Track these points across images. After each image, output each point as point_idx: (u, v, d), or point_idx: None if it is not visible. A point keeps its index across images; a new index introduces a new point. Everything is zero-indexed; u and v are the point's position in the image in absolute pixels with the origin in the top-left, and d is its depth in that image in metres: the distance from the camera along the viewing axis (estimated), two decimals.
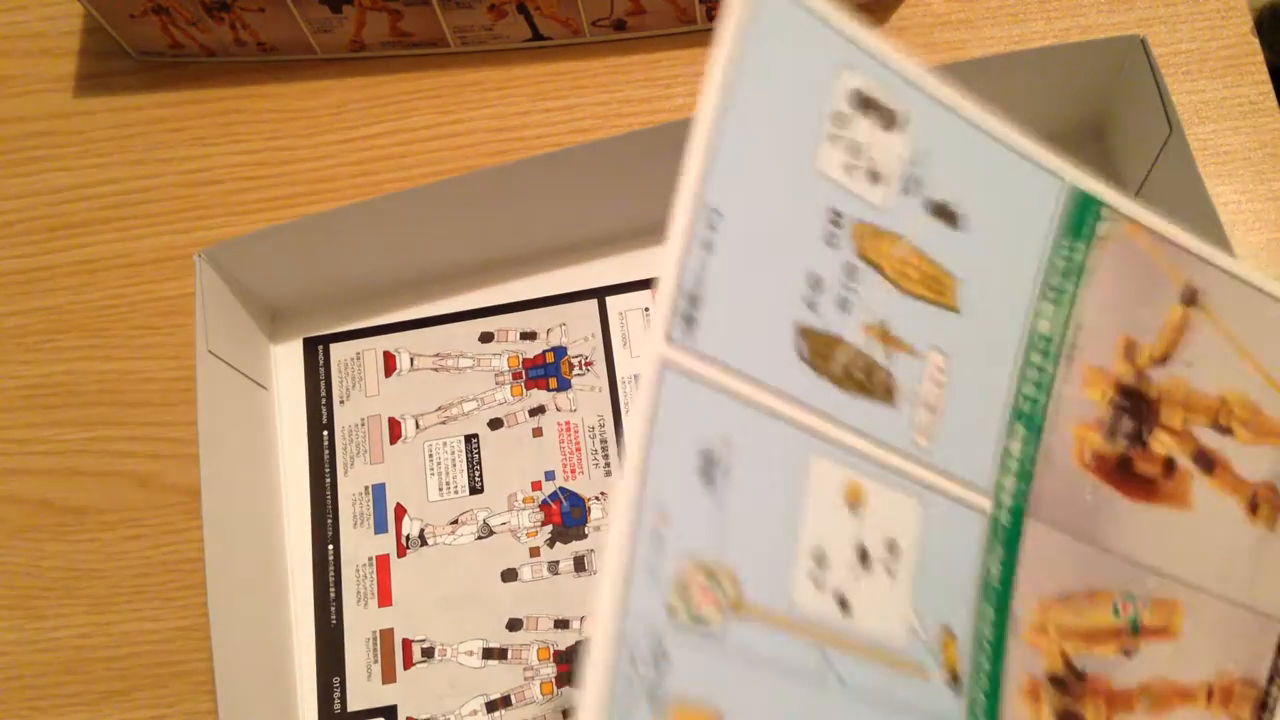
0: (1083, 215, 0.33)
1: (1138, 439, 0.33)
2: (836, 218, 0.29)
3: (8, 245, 0.55)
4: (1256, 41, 0.53)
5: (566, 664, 0.47)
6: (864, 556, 0.29)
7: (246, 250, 0.48)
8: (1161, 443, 0.33)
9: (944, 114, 0.31)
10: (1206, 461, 0.34)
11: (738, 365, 0.27)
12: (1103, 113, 0.50)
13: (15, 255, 0.55)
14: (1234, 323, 0.34)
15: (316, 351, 0.52)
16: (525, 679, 0.47)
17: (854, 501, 0.29)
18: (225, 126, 0.56)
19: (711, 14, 0.54)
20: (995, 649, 0.31)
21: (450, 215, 0.49)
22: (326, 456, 0.51)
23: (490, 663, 0.47)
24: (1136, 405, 0.33)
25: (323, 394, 0.52)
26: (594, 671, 0.25)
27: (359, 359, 0.52)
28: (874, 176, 0.30)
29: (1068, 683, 0.32)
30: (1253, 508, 0.34)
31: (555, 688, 0.47)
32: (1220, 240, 0.44)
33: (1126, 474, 0.33)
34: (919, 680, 0.29)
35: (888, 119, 0.30)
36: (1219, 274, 0.34)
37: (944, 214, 0.31)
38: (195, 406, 0.45)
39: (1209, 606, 0.34)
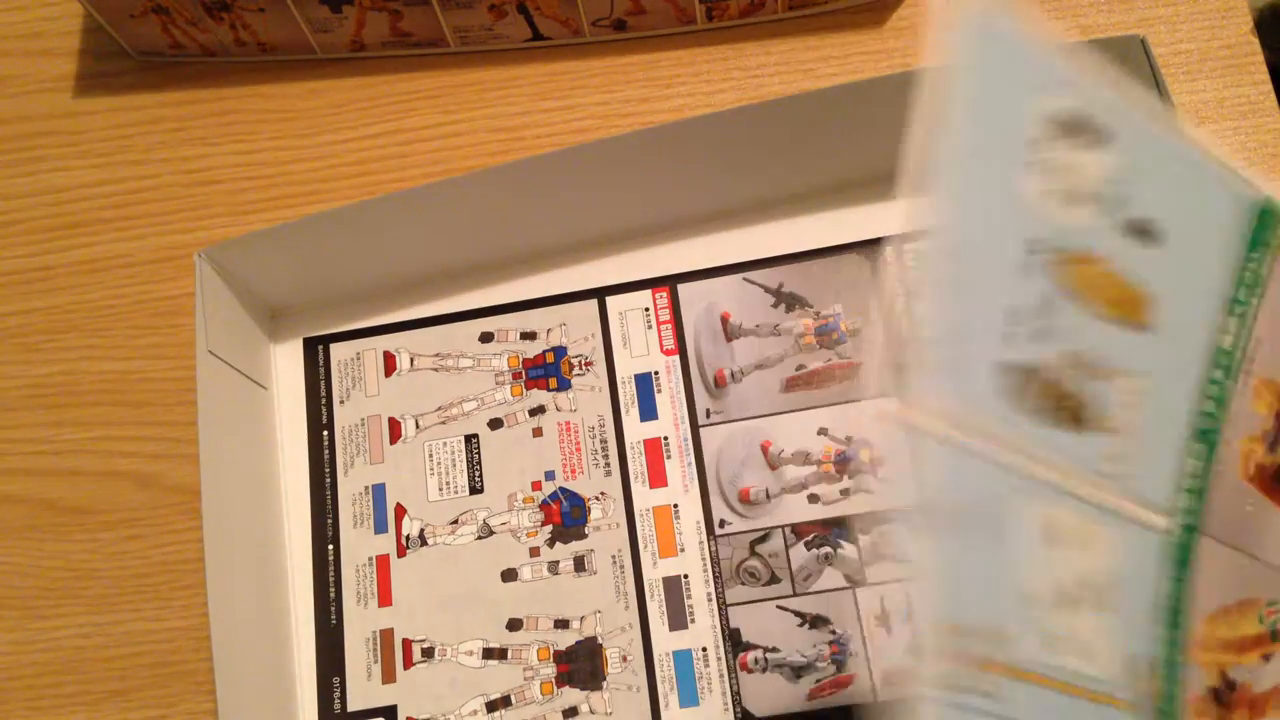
0: (1267, 229, 0.32)
1: None
2: (1034, 246, 0.28)
3: (8, 245, 0.55)
4: (1256, 41, 0.53)
5: (566, 664, 0.47)
6: (1068, 596, 0.28)
7: (246, 250, 0.48)
8: None
9: (1142, 130, 0.30)
10: None
11: (970, 417, 0.27)
12: None
13: (15, 255, 0.55)
14: None
15: (316, 351, 0.52)
16: (525, 679, 0.47)
17: (1051, 536, 0.28)
18: (225, 126, 0.56)
19: (711, 14, 0.54)
20: (1169, 669, 0.31)
21: (450, 215, 0.49)
22: (326, 456, 0.51)
23: (490, 662, 0.47)
24: None
25: (323, 394, 0.52)
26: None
27: (359, 359, 0.52)
28: (1070, 198, 0.29)
29: (1222, 694, 0.32)
30: None
31: (555, 687, 0.47)
32: None
33: None
34: (1130, 714, 0.29)
35: (1086, 139, 0.29)
36: None
37: (1141, 232, 0.30)
38: (195, 406, 0.45)
39: None
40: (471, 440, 0.50)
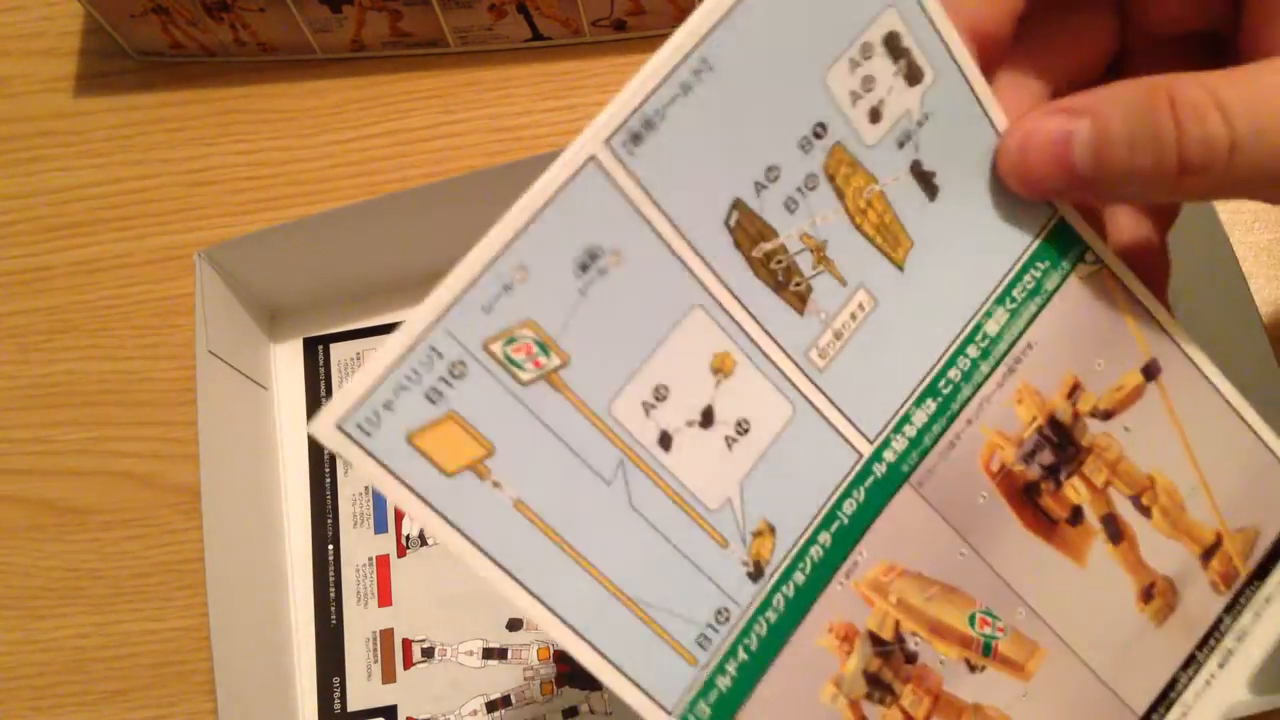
0: (1063, 248, 0.33)
1: (1053, 475, 0.33)
2: (821, 130, 0.29)
3: (7, 245, 0.55)
4: None
5: (567, 664, 0.47)
6: (708, 418, 0.29)
7: (246, 250, 0.48)
8: (1076, 491, 0.33)
9: (965, 95, 0.31)
10: (1115, 530, 0.34)
11: (660, 199, 0.28)
12: None
13: (14, 255, 0.55)
14: (1186, 414, 0.34)
15: (317, 351, 0.52)
16: (525, 679, 0.47)
17: (719, 369, 0.30)
18: (225, 126, 0.56)
19: None
20: (818, 575, 0.31)
21: (450, 215, 0.49)
22: (326, 456, 0.51)
23: (490, 662, 0.47)
24: (1063, 444, 0.33)
25: (323, 394, 0.52)
26: (385, 351, 0.26)
27: (359, 359, 0.52)
28: (875, 115, 0.30)
29: (893, 654, 0.32)
30: (1146, 596, 0.34)
31: (555, 688, 0.47)
32: (1220, 241, 0.44)
33: (1029, 502, 0.33)
34: (714, 543, 0.30)
35: (912, 74, 0.30)
36: (1186, 363, 0.34)
37: (926, 182, 0.31)
38: (195, 407, 0.45)
39: (1071, 668, 0.33)
40: None
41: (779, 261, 0.30)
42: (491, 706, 0.47)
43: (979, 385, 0.32)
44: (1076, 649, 0.33)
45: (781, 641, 0.31)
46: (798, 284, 0.30)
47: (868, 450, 0.31)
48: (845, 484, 0.31)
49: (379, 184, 0.55)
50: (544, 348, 0.27)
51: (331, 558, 0.49)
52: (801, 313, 0.30)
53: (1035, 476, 0.33)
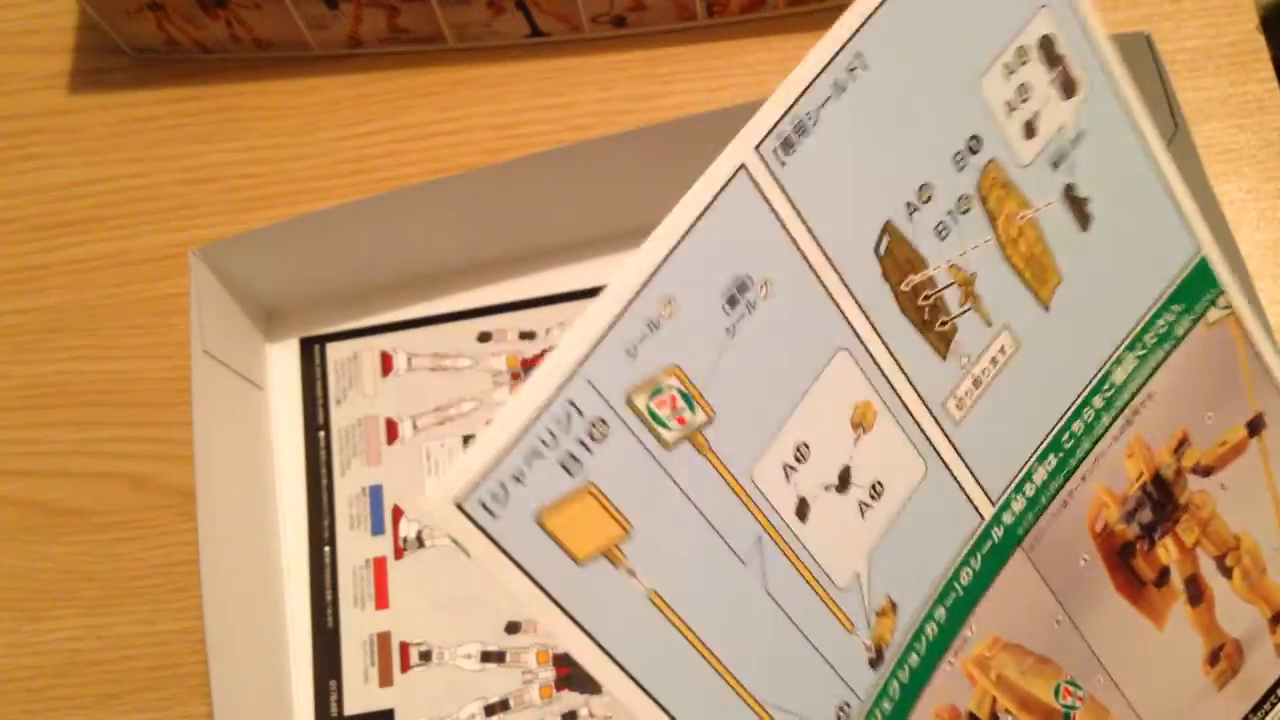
0: (1199, 290, 0.31)
1: (1149, 534, 0.32)
2: (975, 144, 0.27)
3: (1, 244, 0.55)
4: (1262, 38, 0.53)
5: (565, 667, 0.46)
6: (845, 480, 0.27)
7: (242, 249, 0.47)
8: (1167, 551, 0.32)
9: (1118, 112, 0.29)
10: (1196, 591, 0.33)
11: (810, 218, 0.25)
12: None
13: (9, 254, 0.55)
14: (1279, 470, 0.33)
15: (313, 351, 0.52)
16: (524, 682, 0.46)
17: (860, 422, 0.27)
18: (221, 124, 0.56)
19: (712, 10, 0.54)
20: (931, 655, 0.29)
21: (448, 214, 0.48)
22: (323, 457, 0.50)
23: (488, 666, 0.47)
24: (1163, 502, 0.32)
25: (319, 394, 0.51)
26: (515, 409, 0.22)
27: (356, 359, 0.52)
28: (1030, 130, 0.28)
29: None
30: (1213, 659, 0.33)
31: (554, 691, 0.46)
32: (1225, 239, 0.43)
33: (1124, 563, 0.32)
34: (840, 628, 0.27)
35: (1067, 85, 0.28)
36: None
37: (1079, 209, 0.29)
38: (190, 407, 0.44)
39: None
40: (470, 441, 0.50)
41: (926, 297, 0.27)
42: (490, 710, 0.46)
43: (1098, 439, 0.31)
44: (1140, 712, 0.32)
45: None
46: (944, 323, 0.27)
47: (989, 512, 0.29)
48: (965, 551, 0.29)
49: (376, 182, 0.54)
50: (689, 401, 0.24)
51: (328, 560, 0.49)
52: (944, 356, 0.28)
53: (1133, 536, 0.32)
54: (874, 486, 0.27)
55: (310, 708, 0.47)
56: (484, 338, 0.51)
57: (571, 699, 0.46)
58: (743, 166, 0.24)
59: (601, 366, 0.23)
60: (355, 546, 0.49)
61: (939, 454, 0.28)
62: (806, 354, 0.26)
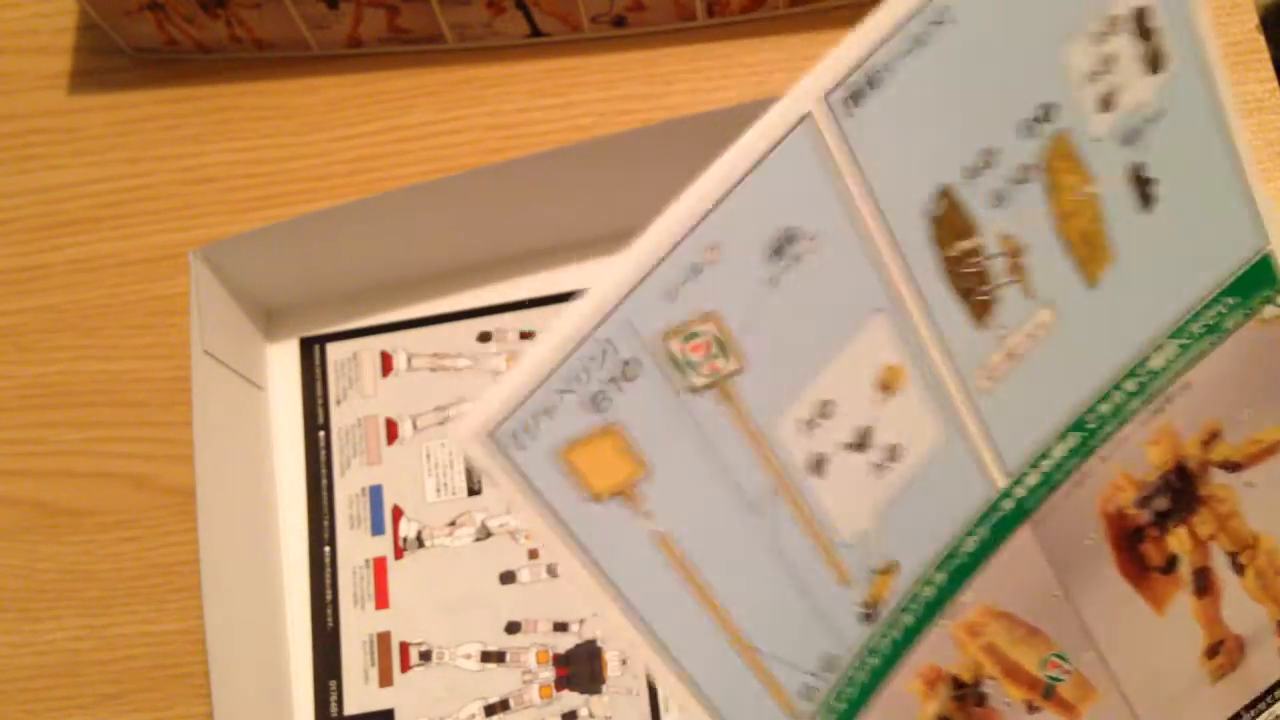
0: (1256, 285, 0.30)
1: (1162, 522, 0.31)
2: (1046, 113, 0.26)
3: (1, 244, 0.55)
4: (1262, 38, 0.53)
5: (565, 667, 0.46)
6: (864, 441, 0.27)
7: (242, 249, 0.47)
8: (1179, 540, 0.32)
9: (1203, 95, 0.28)
10: (1204, 584, 0.32)
11: (869, 172, 0.24)
12: None
13: (9, 254, 0.55)
14: None
15: (313, 351, 0.52)
16: (524, 682, 0.46)
17: (887, 386, 0.27)
18: (221, 124, 0.56)
19: (712, 10, 0.54)
20: (925, 616, 0.29)
21: (448, 213, 0.48)
22: (323, 457, 0.50)
23: (488, 666, 0.47)
24: (1182, 491, 0.31)
25: (319, 394, 0.51)
26: (549, 344, 0.21)
27: (355, 359, 0.52)
28: (1107, 103, 0.27)
29: (967, 698, 0.30)
30: (1212, 652, 0.33)
31: (554, 691, 0.46)
32: None
33: (1131, 546, 0.31)
34: (835, 581, 0.27)
35: (1155, 60, 0.27)
36: None
37: (1143, 189, 0.28)
38: (190, 407, 0.44)
39: (1117, 712, 0.32)
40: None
41: (972, 264, 0.26)
42: (490, 710, 0.46)
43: (1124, 422, 0.30)
44: (1128, 695, 0.32)
45: (876, 687, 0.29)
46: (985, 292, 0.27)
47: (1004, 484, 0.29)
48: (973, 520, 0.29)
49: (376, 182, 0.54)
50: (722, 348, 0.24)
51: (328, 560, 0.49)
52: (981, 325, 0.27)
53: (1144, 521, 0.31)
54: (891, 449, 0.27)
55: (310, 708, 0.47)
56: (484, 338, 0.51)
57: (571, 699, 0.46)
58: (807, 115, 0.24)
59: (639, 307, 0.22)
60: (355, 546, 0.49)
61: (961, 423, 0.28)
62: (844, 312, 0.25)
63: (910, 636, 0.29)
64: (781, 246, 0.24)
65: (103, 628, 0.49)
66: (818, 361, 0.25)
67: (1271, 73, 0.52)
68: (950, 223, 0.26)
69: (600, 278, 0.22)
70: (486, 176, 0.47)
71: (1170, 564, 0.32)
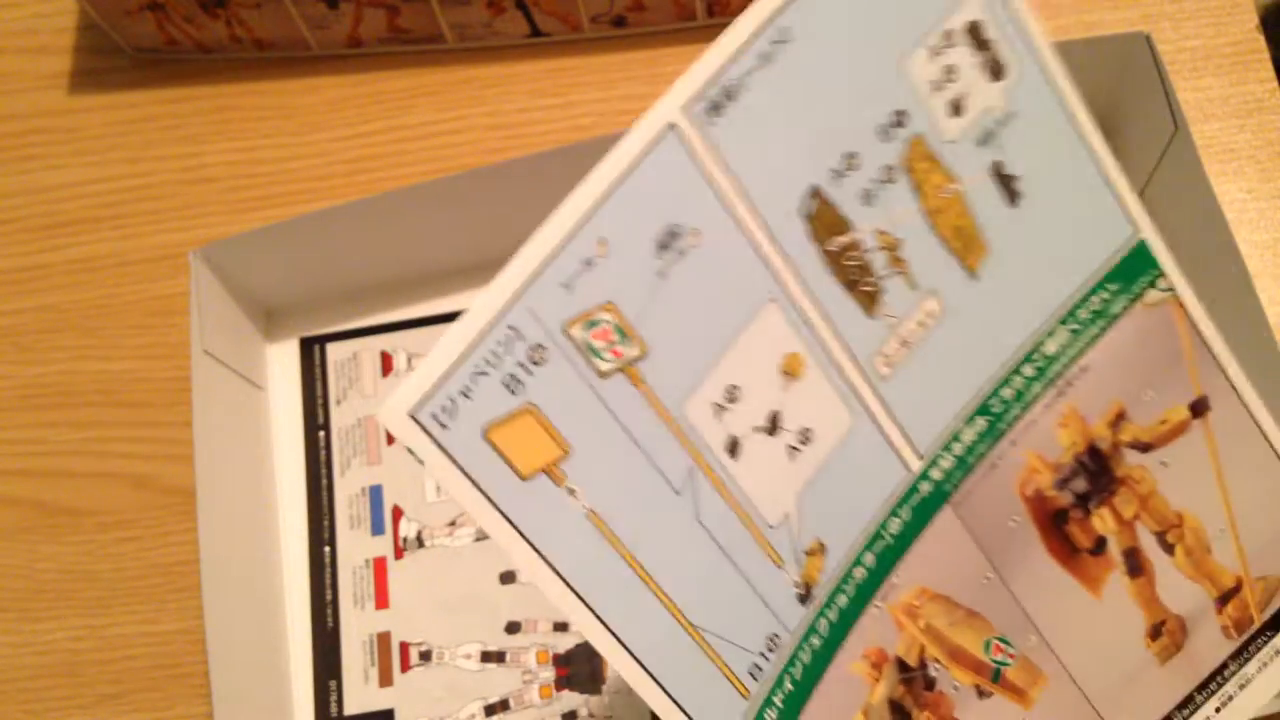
0: (1136, 271, 0.32)
1: (1083, 504, 0.33)
2: (900, 119, 0.28)
3: (1, 244, 0.55)
4: (1262, 38, 0.53)
5: (565, 667, 0.46)
6: (774, 425, 0.28)
7: (242, 249, 0.47)
8: (1103, 521, 0.33)
9: (1049, 97, 0.30)
10: (1135, 564, 0.33)
11: (739, 175, 0.26)
12: (1107, 110, 0.50)
13: (9, 254, 0.55)
14: (1228, 455, 0.34)
15: (313, 351, 0.52)
16: (524, 682, 0.46)
17: (789, 371, 0.28)
18: (221, 124, 0.56)
19: (712, 10, 0.54)
20: (859, 597, 0.30)
21: (448, 213, 0.48)
22: (323, 457, 0.50)
23: (489, 666, 0.47)
24: (1098, 472, 0.33)
25: (319, 394, 0.51)
26: (461, 330, 0.24)
27: (355, 359, 0.51)
28: (956, 108, 0.29)
29: (915, 681, 0.31)
30: (1155, 633, 0.33)
31: (554, 691, 0.46)
32: (1225, 239, 0.43)
33: (1057, 529, 0.32)
34: (770, 563, 0.29)
35: (995, 68, 0.29)
36: (1236, 401, 0.33)
37: (1007, 186, 0.30)
38: (190, 407, 0.44)
39: (1069, 696, 0.33)
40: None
41: (852, 258, 0.28)
42: (490, 710, 0.46)
43: (1028, 406, 0.32)
44: (1077, 678, 0.33)
45: (822, 668, 0.30)
46: (870, 283, 0.29)
47: (918, 467, 0.31)
48: (894, 502, 0.30)
49: (376, 182, 0.54)
50: (624, 335, 0.26)
51: (328, 560, 0.49)
52: (871, 314, 0.29)
53: (1066, 503, 0.32)
54: (803, 433, 0.29)
55: (310, 708, 0.47)
56: None
57: (571, 699, 0.46)
58: (672, 125, 0.26)
59: (540, 296, 0.25)
60: (355, 546, 0.49)
61: (867, 407, 0.30)
62: (736, 301, 0.27)
63: (848, 618, 0.30)
64: (667, 242, 0.26)
65: (103, 628, 0.49)
66: (717, 347, 0.27)
67: (1271, 73, 0.52)
68: (825, 220, 0.28)
69: (502, 271, 0.24)
70: (486, 176, 0.47)
71: (1099, 545, 0.33)
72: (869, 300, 0.29)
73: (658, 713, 0.27)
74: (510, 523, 0.24)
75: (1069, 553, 0.33)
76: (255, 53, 0.56)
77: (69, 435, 0.52)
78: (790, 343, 0.28)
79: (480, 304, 0.24)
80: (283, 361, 0.52)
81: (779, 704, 0.29)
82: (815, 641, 0.30)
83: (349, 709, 0.47)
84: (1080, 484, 0.32)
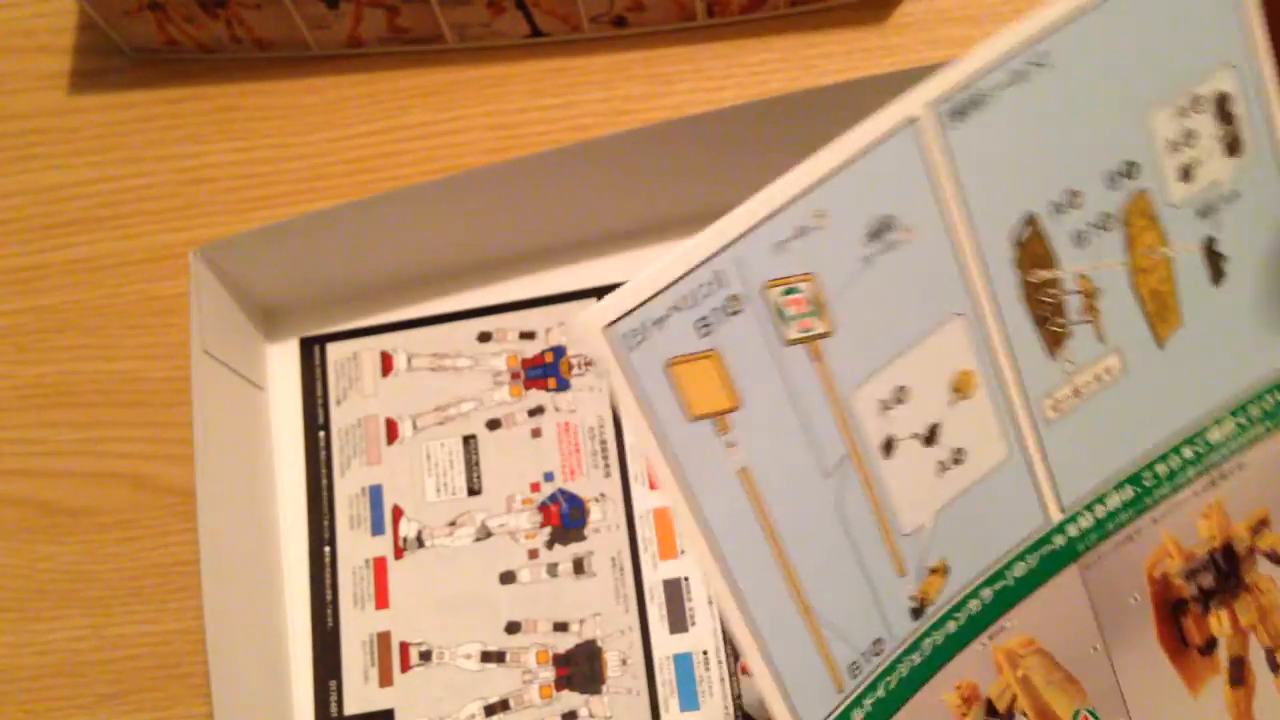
0: None
1: (1205, 600, 0.32)
2: (1130, 170, 0.28)
3: (1, 244, 0.55)
4: None
5: (565, 667, 0.46)
6: (932, 436, 0.29)
7: (242, 249, 0.47)
8: (1219, 622, 0.32)
9: (1277, 188, 0.30)
10: (1239, 675, 0.32)
11: (965, 186, 0.27)
12: None
13: (9, 254, 0.55)
14: None
15: (313, 351, 0.52)
16: (524, 682, 0.46)
17: (960, 389, 0.29)
18: (221, 124, 0.56)
19: (712, 10, 0.54)
20: (968, 628, 0.30)
21: (448, 214, 0.48)
22: (323, 457, 0.50)
23: (488, 666, 0.47)
24: (1228, 572, 0.32)
25: (319, 394, 0.51)
26: (668, 265, 0.24)
27: (356, 359, 0.51)
28: (1186, 174, 0.29)
29: None
30: None
31: (554, 691, 0.46)
32: None
33: (1173, 618, 0.32)
34: (893, 570, 0.29)
35: (1233, 145, 0.29)
36: None
37: (1215, 264, 0.30)
38: (190, 407, 0.44)
39: None
40: (470, 441, 0.50)
41: (1049, 295, 0.28)
42: (490, 710, 0.46)
43: (1179, 488, 0.31)
44: None
45: (917, 686, 0.30)
46: (1059, 324, 0.29)
47: (1057, 519, 0.30)
48: (1023, 546, 0.30)
49: (376, 182, 0.54)
50: (816, 309, 0.26)
51: (328, 560, 0.49)
52: (1052, 355, 0.29)
53: (1189, 595, 0.32)
54: (957, 452, 0.29)
55: (310, 708, 0.47)
56: (484, 338, 0.51)
57: (571, 699, 0.46)
58: (913, 120, 0.26)
59: (749, 250, 0.25)
60: (355, 546, 0.49)
61: (1024, 445, 0.29)
62: (928, 306, 0.28)
63: (952, 645, 0.30)
64: (879, 231, 0.26)
65: (103, 628, 0.49)
66: (898, 346, 0.27)
67: None
68: (1033, 250, 0.28)
69: (723, 219, 0.25)
70: (486, 176, 0.47)
71: (1209, 645, 0.32)
72: (1054, 341, 0.29)
73: (756, 677, 0.27)
74: (666, 454, 0.25)
75: (1178, 645, 0.32)
76: (255, 53, 0.56)
77: (69, 435, 0.52)
78: (967, 360, 0.28)
79: (693, 243, 0.25)
80: (283, 361, 0.52)
81: (869, 707, 0.29)
82: (916, 658, 0.30)
83: (349, 709, 0.47)
84: (1207, 579, 0.32)
